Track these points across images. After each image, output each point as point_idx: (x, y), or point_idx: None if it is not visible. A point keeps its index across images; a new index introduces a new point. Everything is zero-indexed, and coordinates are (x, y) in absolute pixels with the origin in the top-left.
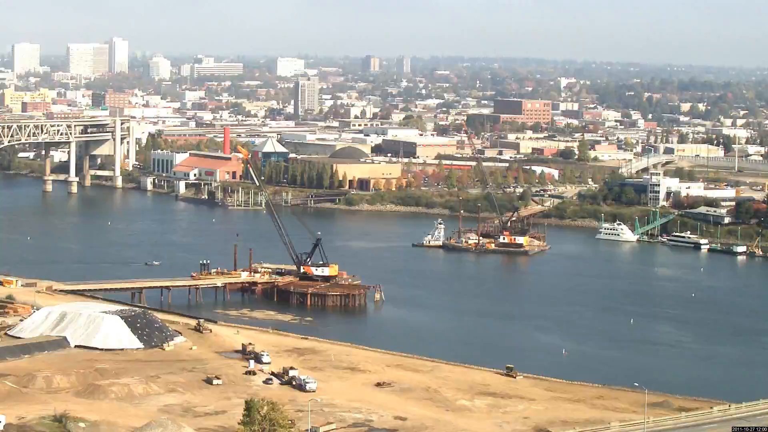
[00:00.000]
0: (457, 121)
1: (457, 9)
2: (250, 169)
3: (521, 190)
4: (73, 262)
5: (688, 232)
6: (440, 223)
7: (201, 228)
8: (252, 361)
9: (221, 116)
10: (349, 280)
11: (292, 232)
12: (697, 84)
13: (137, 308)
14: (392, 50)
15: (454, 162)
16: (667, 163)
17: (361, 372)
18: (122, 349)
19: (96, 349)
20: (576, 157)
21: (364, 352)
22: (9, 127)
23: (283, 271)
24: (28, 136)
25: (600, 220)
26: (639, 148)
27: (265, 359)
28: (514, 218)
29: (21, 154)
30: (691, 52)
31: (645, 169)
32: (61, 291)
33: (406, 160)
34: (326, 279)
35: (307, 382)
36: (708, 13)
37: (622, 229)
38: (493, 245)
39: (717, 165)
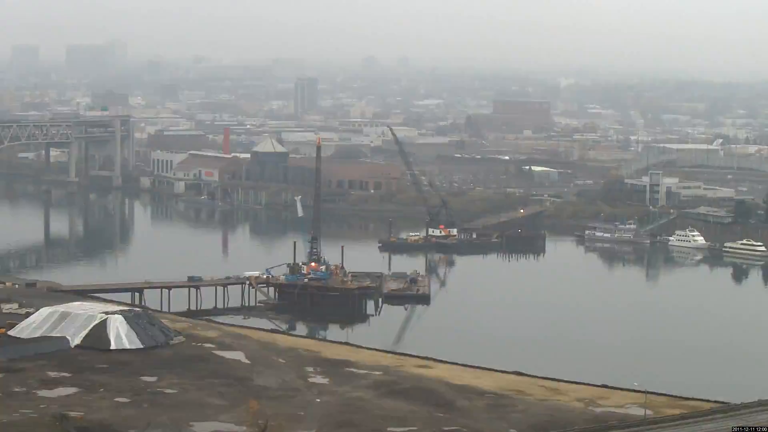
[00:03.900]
0: (456, 122)
1: (457, 9)
2: None
3: (521, 190)
4: (73, 261)
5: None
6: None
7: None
8: None
9: (221, 117)
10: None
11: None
12: (697, 84)
13: (138, 308)
14: (392, 50)
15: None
16: (666, 163)
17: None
18: (122, 349)
19: (96, 349)
20: (575, 157)
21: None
22: (9, 127)
23: None
24: (28, 136)
25: (600, 221)
26: (638, 149)
27: None
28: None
29: (21, 154)
30: (691, 52)
31: (645, 169)
32: (61, 291)
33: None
34: None
35: None
36: (708, 13)
37: (694, 235)
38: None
39: (716, 165)
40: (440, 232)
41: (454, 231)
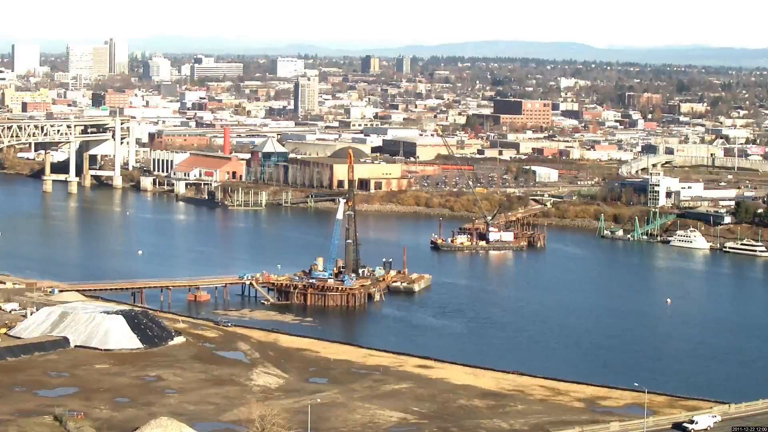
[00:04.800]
0: (457, 122)
1: (458, 9)
2: None
3: (523, 190)
4: (73, 261)
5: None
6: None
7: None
8: None
9: (221, 116)
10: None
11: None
12: (697, 84)
13: (137, 308)
14: (392, 50)
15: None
16: (666, 163)
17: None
18: (122, 349)
19: (96, 349)
20: (576, 157)
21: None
22: (9, 127)
23: None
24: (28, 136)
25: (600, 220)
26: (639, 149)
27: None
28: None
29: (21, 154)
30: (691, 52)
31: (645, 169)
32: (61, 291)
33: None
34: None
35: None
36: (708, 13)
37: (695, 236)
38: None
39: (716, 165)
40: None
41: (510, 235)
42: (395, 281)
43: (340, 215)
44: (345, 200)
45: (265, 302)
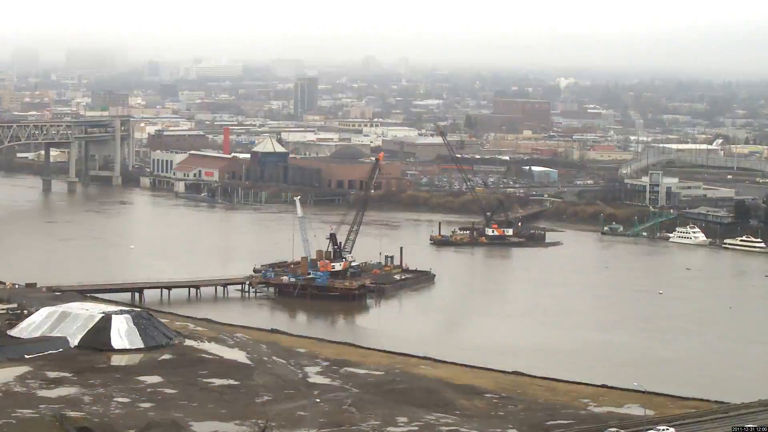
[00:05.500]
0: (456, 122)
1: (457, 9)
2: None
3: (522, 190)
4: (73, 261)
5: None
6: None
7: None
8: None
9: (221, 117)
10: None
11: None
12: (697, 84)
13: (137, 308)
14: (392, 50)
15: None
16: (666, 163)
17: None
18: (122, 349)
19: (96, 349)
20: (575, 157)
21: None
22: (9, 128)
23: None
24: (28, 136)
25: (600, 220)
26: (638, 148)
27: None
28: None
29: (20, 154)
30: (691, 52)
31: (644, 169)
32: (61, 291)
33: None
34: None
35: None
36: (708, 13)
37: (695, 232)
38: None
39: (716, 165)
40: (493, 231)
41: (510, 231)
42: None
43: (300, 212)
44: (299, 198)
45: (264, 300)
